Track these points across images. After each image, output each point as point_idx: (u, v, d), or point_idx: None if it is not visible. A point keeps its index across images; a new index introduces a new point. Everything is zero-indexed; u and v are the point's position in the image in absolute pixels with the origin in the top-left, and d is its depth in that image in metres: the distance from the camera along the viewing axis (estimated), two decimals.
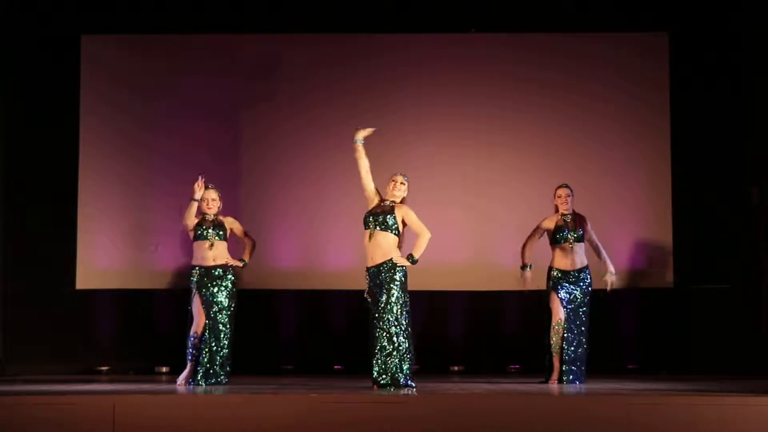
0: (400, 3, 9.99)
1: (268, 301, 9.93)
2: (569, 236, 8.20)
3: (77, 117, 9.97)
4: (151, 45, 10.11)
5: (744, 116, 9.88)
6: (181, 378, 7.88)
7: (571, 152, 9.92)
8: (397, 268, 7.44)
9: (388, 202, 7.56)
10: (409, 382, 7.33)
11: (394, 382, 7.32)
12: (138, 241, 9.89)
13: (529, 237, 8.35)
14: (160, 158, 9.97)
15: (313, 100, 10.01)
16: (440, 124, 9.98)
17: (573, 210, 8.29)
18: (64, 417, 6.27)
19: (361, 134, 7.62)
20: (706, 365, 9.44)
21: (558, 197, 8.31)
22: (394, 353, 7.34)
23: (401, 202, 7.58)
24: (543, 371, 8.27)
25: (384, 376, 7.34)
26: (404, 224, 7.54)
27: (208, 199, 8.05)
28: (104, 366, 9.79)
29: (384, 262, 7.43)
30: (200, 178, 8.03)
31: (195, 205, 7.99)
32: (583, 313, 8.18)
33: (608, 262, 8.30)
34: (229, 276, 8.01)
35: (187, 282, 8.10)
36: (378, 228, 7.46)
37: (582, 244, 8.25)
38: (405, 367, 7.37)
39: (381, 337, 7.36)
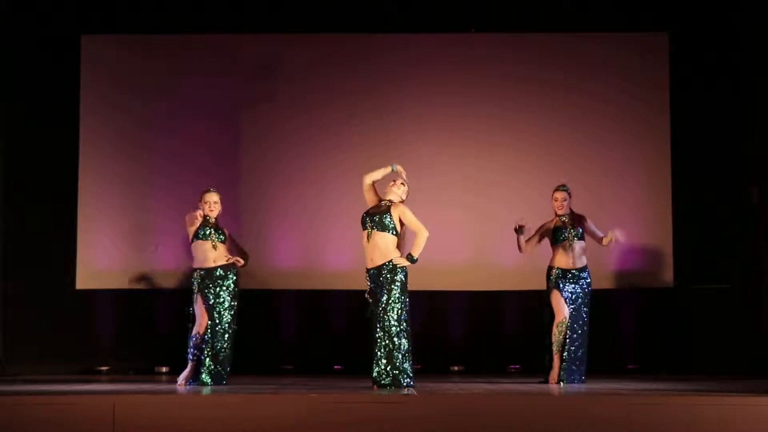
0: (400, 3, 9.99)
1: (268, 301, 9.93)
2: (569, 234, 8.21)
3: (77, 117, 9.97)
4: (151, 45, 10.11)
5: (744, 116, 9.88)
6: (181, 378, 7.88)
7: (571, 152, 9.93)
8: (398, 269, 7.45)
9: (385, 202, 7.57)
10: (409, 383, 7.34)
11: (395, 383, 7.32)
12: (138, 241, 9.90)
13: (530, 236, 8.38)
14: (160, 158, 9.97)
15: (313, 100, 10.01)
16: (440, 124, 9.98)
17: (571, 210, 8.31)
18: (64, 417, 6.26)
19: (400, 169, 7.58)
20: (706, 365, 9.44)
21: (554, 200, 8.33)
22: (395, 353, 7.35)
23: (401, 201, 7.58)
24: (543, 371, 8.26)
25: (385, 377, 7.34)
26: (402, 224, 7.55)
27: (210, 201, 8.04)
28: (104, 366, 9.79)
29: (384, 264, 7.44)
30: (199, 213, 8.00)
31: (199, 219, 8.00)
32: (585, 313, 8.18)
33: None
34: (231, 276, 8.01)
35: (188, 282, 8.12)
36: (375, 229, 7.47)
37: (582, 242, 8.25)
38: (406, 368, 7.37)
39: (382, 337, 7.36)
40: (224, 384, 7.85)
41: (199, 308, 7.94)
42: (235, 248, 8.18)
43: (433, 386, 7.57)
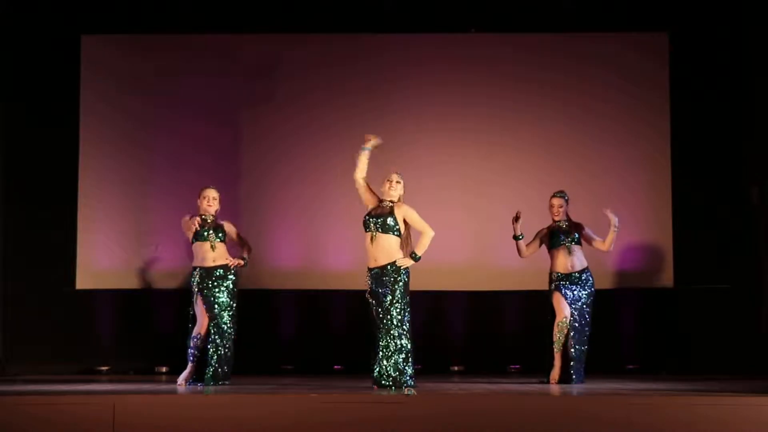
0: (400, 3, 9.99)
1: (268, 301, 9.93)
2: (565, 239, 8.21)
3: (77, 117, 9.97)
4: (151, 45, 10.11)
5: (744, 116, 9.88)
6: (182, 378, 7.87)
7: (571, 152, 9.93)
8: (402, 270, 7.44)
9: (386, 203, 7.55)
10: (410, 383, 7.33)
11: (396, 383, 7.32)
12: (138, 241, 9.90)
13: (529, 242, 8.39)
14: (160, 158, 9.98)
15: (313, 100, 10.01)
16: (440, 124, 9.98)
17: (568, 217, 8.31)
18: (64, 417, 6.26)
19: (372, 143, 7.57)
20: (706, 365, 9.44)
21: (551, 206, 8.33)
22: (396, 354, 7.34)
23: (399, 200, 7.58)
24: (543, 371, 8.26)
25: (385, 377, 7.34)
26: (406, 223, 7.54)
27: (209, 197, 8.04)
28: (104, 366, 9.79)
29: (388, 264, 7.43)
30: (195, 220, 7.98)
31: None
32: (587, 314, 8.18)
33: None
34: (230, 276, 8.00)
35: (188, 282, 8.12)
36: (379, 231, 7.44)
37: (579, 246, 8.25)
38: (407, 368, 7.37)
39: (383, 337, 7.36)
40: (224, 384, 7.85)
41: (198, 308, 7.94)
42: (238, 241, 8.18)
43: (433, 386, 7.57)
